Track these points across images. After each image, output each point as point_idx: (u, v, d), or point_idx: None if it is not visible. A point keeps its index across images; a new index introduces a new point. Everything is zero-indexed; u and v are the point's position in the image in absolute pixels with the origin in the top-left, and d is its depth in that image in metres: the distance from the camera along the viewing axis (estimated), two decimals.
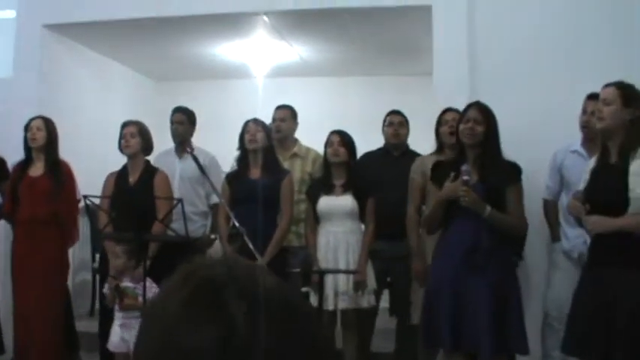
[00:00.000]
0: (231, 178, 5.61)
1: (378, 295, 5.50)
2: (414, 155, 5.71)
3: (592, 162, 4.27)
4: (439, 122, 5.34)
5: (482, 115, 4.53)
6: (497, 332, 4.21)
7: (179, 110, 6.48)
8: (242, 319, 0.82)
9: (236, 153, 5.69)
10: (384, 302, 6.09)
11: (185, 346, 0.81)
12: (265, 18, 7.22)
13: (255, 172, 5.49)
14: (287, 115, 6.31)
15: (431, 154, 5.41)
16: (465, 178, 4.30)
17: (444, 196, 4.44)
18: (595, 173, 4.14)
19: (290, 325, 0.87)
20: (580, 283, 4.17)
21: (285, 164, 6.01)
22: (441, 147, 5.34)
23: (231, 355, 0.80)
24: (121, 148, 5.70)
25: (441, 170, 4.65)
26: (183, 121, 6.40)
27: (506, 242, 4.53)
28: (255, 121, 5.58)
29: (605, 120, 4.05)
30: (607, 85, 4.13)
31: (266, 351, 0.82)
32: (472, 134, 4.48)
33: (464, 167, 4.34)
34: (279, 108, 6.39)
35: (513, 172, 4.54)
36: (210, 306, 0.84)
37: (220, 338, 0.81)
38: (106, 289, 5.27)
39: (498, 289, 4.28)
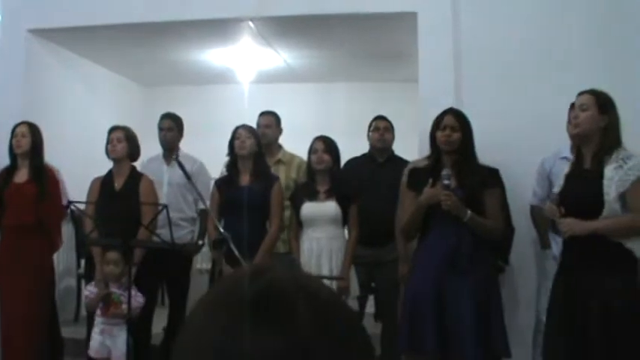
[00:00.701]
0: (220, 183, 5.61)
1: (362, 300, 5.52)
2: (399, 161, 5.74)
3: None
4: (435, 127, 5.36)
5: (459, 121, 4.61)
6: (481, 336, 4.24)
7: (168, 117, 6.48)
8: (308, 328, 0.82)
9: (225, 158, 5.69)
10: (370, 308, 6.11)
11: (249, 353, 0.81)
12: (251, 24, 7.23)
13: (245, 179, 5.49)
14: (271, 121, 6.32)
15: (423, 159, 5.43)
16: (446, 182, 4.35)
17: (424, 201, 4.47)
18: (569, 178, 4.19)
19: (349, 334, 0.87)
20: (553, 287, 4.22)
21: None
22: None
23: None
24: (107, 153, 5.69)
25: (417, 176, 4.69)
26: (172, 128, 6.41)
27: (489, 247, 4.57)
28: (245, 127, 5.58)
29: (581, 125, 4.10)
30: (583, 93, 4.20)
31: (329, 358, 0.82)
32: (449, 141, 4.55)
33: (444, 172, 4.39)
34: (264, 114, 6.39)
35: (491, 176, 4.61)
36: (275, 312, 0.83)
37: (286, 346, 0.81)
38: (87, 293, 5.27)
39: (480, 293, 4.33)
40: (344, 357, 0.85)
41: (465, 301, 4.29)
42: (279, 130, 6.40)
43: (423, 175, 4.62)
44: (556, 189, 4.31)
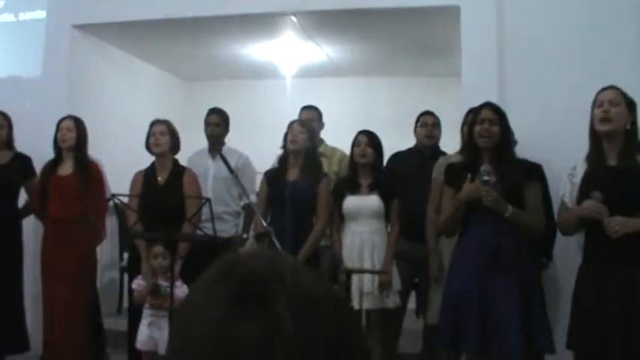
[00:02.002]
0: (270, 176, 5.63)
1: (404, 296, 5.48)
2: (444, 156, 5.69)
3: (580, 166, 4.27)
4: (464, 122, 5.32)
5: (497, 115, 4.53)
6: (524, 333, 4.20)
7: (215, 111, 6.50)
8: (289, 315, 0.82)
9: (266, 152, 5.70)
10: (412, 303, 6.07)
11: (231, 341, 0.81)
12: (294, 18, 7.23)
13: (294, 173, 5.49)
14: (313, 115, 6.32)
15: (455, 154, 5.40)
16: (486, 178, 4.27)
17: (464, 197, 4.40)
18: (593, 175, 4.15)
19: (333, 321, 0.86)
20: (580, 280, 4.18)
21: None
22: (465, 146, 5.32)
23: (277, 351, 0.80)
24: (148, 147, 5.72)
25: (455, 172, 4.63)
26: (219, 123, 6.42)
27: (532, 243, 4.51)
28: (299, 122, 5.60)
29: (614, 121, 4.09)
30: (608, 88, 4.20)
31: (311, 347, 0.82)
32: (489, 135, 4.47)
33: (483, 167, 4.32)
34: (306, 108, 6.39)
35: (531, 170, 4.53)
36: (257, 300, 0.83)
37: (267, 333, 0.81)
38: (135, 285, 5.30)
39: (523, 290, 4.27)
40: (328, 347, 0.84)
41: (508, 299, 4.22)
42: (321, 125, 6.40)
43: (460, 170, 4.56)
44: (567, 188, 4.28)
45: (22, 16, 7.71)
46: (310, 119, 6.23)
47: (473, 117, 4.65)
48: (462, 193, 4.42)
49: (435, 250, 5.25)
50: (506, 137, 4.54)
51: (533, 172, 4.55)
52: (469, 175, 4.41)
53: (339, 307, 0.90)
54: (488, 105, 4.62)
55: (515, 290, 4.24)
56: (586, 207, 4.06)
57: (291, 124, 5.56)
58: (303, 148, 5.47)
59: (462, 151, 5.30)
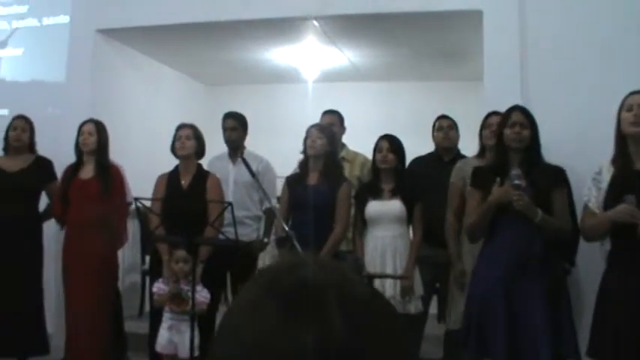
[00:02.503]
0: (291, 181, 5.63)
1: (426, 301, 5.45)
2: None
3: (606, 170, 4.24)
4: (483, 125, 5.30)
5: (527, 118, 4.49)
6: (552, 339, 4.15)
7: (230, 116, 6.50)
8: (341, 324, 0.81)
9: (288, 157, 5.70)
10: (433, 309, 6.05)
11: (282, 352, 0.80)
12: (315, 23, 7.24)
13: (314, 178, 5.49)
14: (334, 120, 6.31)
15: (472, 158, 5.37)
16: (517, 182, 4.22)
17: (494, 201, 4.34)
18: (621, 179, 4.11)
19: (385, 330, 0.86)
20: (605, 285, 4.15)
21: None
22: (483, 150, 5.29)
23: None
24: (173, 150, 5.73)
25: (482, 175, 4.59)
26: (236, 127, 6.43)
27: (558, 248, 4.47)
28: (317, 126, 5.59)
29: None
30: (638, 92, 4.18)
31: (364, 357, 0.81)
32: (519, 138, 4.43)
33: (514, 171, 4.26)
34: (327, 113, 6.39)
35: (557, 174, 4.49)
36: (309, 310, 0.82)
37: (319, 343, 0.79)
38: (155, 289, 5.31)
39: (551, 296, 4.22)
40: (379, 351, 0.83)
41: (535, 304, 4.17)
42: (342, 129, 6.39)
43: (488, 173, 4.52)
44: (592, 192, 4.25)
45: (46, 21, 7.78)
46: (331, 124, 6.21)
47: (502, 120, 4.61)
48: (492, 196, 4.36)
49: (457, 256, 5.21)
50: (535, 141, 4.50)
51: (561, 176, 4.52)
52: (498, 179, 4.36)
53: (390, 316, 0.89)
54: (518, 108, 4.59)
55: (542, 295, 4.19)
56: (620, 211, 4.00)
57: (309, 129, 5.56)
58: (322, 152, 5.46)
59: (480, 154, 5.28)
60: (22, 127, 6.11)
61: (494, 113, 5.23)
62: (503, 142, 4.49)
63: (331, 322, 0.81)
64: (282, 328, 0.81)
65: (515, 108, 4.59)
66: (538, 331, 4.14)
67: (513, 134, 4.43)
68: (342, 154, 6.19)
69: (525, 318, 4.18)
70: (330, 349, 0.79)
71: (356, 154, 6.27)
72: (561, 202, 4.43)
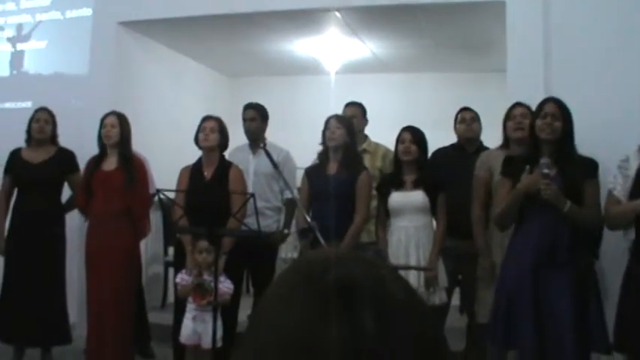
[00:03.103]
0: (310, 172, 5.64)
1: (449, 292, 5.43)
2: None
3: (633, 158, 4.21)
4: (507, 116, 5.26)
5: (560, 110, 4.45)
6: (580, 331, 4.12)
7: (250, 107, 6.52)
8: (372, 321, 0.80)
9: (310, 148, 5.70)
10: (455, 300, 6.03)
11: (311, 346, 0.80)
12: (337, 14, 7.23)
13: (333, 168, 5.49)
14: (357, 111, 6.31)
15: (496, 149, 5.34)
16: (546, 171, 4.21)
17: (522, 189, 4.33)
18: None
19: (418, 328, 0.85)
20: (632, 281, 4.12)
21: None
22: (507, 142, 5.26)
23: (360, 357, 0.79)
24: (197, 141, 5.74)
25: (513, 165, 4.56)
26: (255, 118, 6.44)
27: (584, 240, 4.43)
28: (336, 117, 5.58)
29: None
30: None
31: (395, 355, 0.80)
32: (551, 130, 4.40)
33: (543, 160, 4.25)
34: (349, 105, 6.38)
35: (590, 166, 4.45)
36: (340, 305, 0.82)
37: (349, 339, 0.79)
38: (178, 280, 5.33)
39: (579, 288, 4.19)
40: (412, 354, 0.82)
41: (564, 296, 4.14)
42: (364, 121, 6.38)
43: (519, 163, 4.49)
44: (619, 182, 4.21)
45: (69, 14, 7.82)
46: (354, 116, 6.21)
47: (536, 111, 4.57)
48: (521, 184, 4.35)
49: (485, 249, 5.17)
50: (568, 133, 4.46)
51: (593, 168, 4.46)
52: (527, 167, 4.34)
53: (424, 315, 0.88)
54: (552, 100, 4.55)
55: (570, 286, 4.16)
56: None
57: (328, 120, 5.55)
58: (341, 143, 5.46)
59: (504, 146, 5.24)
60: (45, 119, 6.16)
61: (519, 104, 5.20)
62: (535, 133, 4.47)
63: (363, 322, 0.80)
64: (315, 324, 0.81)
65: (549, 99, 4.56)
66: (564, 323, 4.10)
67: (544, 125, 4.41)
68: (364, 145, 6.18)
69: (552, 309, 4.15)
70: (360, 348, 0.79)
71: (377, 145, 6.26)
72: (592, 194, 4.39)
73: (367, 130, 6.42)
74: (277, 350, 0.83)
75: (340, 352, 0.79)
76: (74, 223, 6.35)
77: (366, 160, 6.02)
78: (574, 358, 4.15)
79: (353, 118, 6.17)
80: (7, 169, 6.17)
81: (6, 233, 6.08)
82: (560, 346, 4.12)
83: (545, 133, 4.41)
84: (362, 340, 0.79)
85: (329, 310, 0.82)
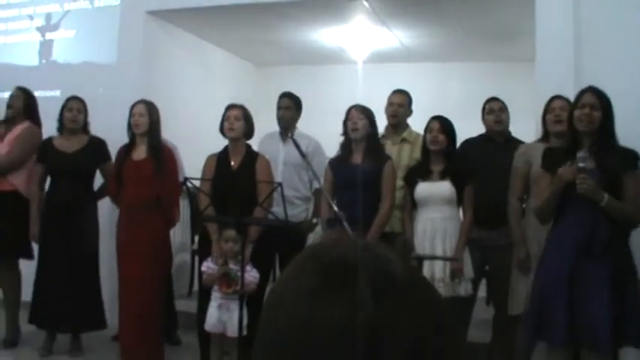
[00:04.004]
0: (333, 163, 5.61)
1: (475, 284, 5.40)
2: (517, 142, 5.57)
3: None
4: (546, 109, 5.18)
5: (599, 100, 4.35)
6: (616, 326, 4.06)
7: (286, 96, 6.53)
8: (370, 303, 0.81)
9: (337, 138, 5.67)
10: (481, 292, 5.99)
11: (311, 327, 0.81)
12: (365, 3, 7.20)
13: (357, 157, 5.47)
14: (405, 100, 6.24)
15: (536, 142, 5.27)
16: (581, 165, 4.14)
17: (558, 182, 4.27)
18: None
19: (420, 309, 0.85)
20: None
21: (394, 149, 6.02)
22: (546, 135, 5.18)
23: (358, 337, 0.79)
24: (222, 130, 5.75)
25: (553, 157, 4.48)
26: (290, 107, 6.45)
27: (623, 232, 4.36)
28: (358, 107, 5.55)
29: None
30: None
31: (395, 335, 0.81)
32: (589, 120, 4.31)
33: (580, 154, 4.18)
34: (397, 92, 6.29)
35: (630, 158, 4.35)
36: (339, 287, 0.83)
37: (347, 320, 0.80)
38: (204, 268, 5.34)
39: (616, 283, 4.12)
40: (413, 335, 0.82)
41: (599, 289, 4.08)
42: (409, 111, 6.31)
43: (559, 155, 4.41)
44: None
45: (97, 3, 7.86)
46: (401, 104, 6.17)
47: (574, 101, 4.48)
48: (558, 178, 4.29)
49: (520, 240, 5.11)
50: (607, 124, 4.36)
51: (634, 160, 4.36)
52: (568, 162, 4.27)
53: (427, 297, 0.88)
54: (591, 89, 4.44)
55: (607, 281, 4.10)
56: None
57: (349, 110, 5.52)
58: (364, 134, 5.44)
59: (543, 139, 5.16)
60: (78, 108, 6.21)
61: (558, 97, 5.11)
62: (574, 124, 4.39)
63: (361, 300, 0.81)
64: (314, 303, 0.83)
65: (588, 89, 4.44)
66: (599, 315, 4.04)
67: (582, 115, 4.32)
68: (405, 134, 6.14)
69: (587, 302, 4.10)
70: (357, 326, 0.80)
71: (418, 135, 6.18)
72: (632, 186, 4.29)
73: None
74: (282, 326, 0.85)
75: (338, 327, 0.80)
76: (104, 211, 6.39)
77: (406, 150, 5.99)
78: (607, 351, 4.11)
79: (401, 107, 6.15)
80: (40, 158, 6.23)
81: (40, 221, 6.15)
82: (594, 338, 4.07)
83: (583, 124, 4.32)
84: (360, 317, 0.80)
85: (328, 286, 0.83)
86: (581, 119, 4.32)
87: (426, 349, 0.82)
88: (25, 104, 6.43)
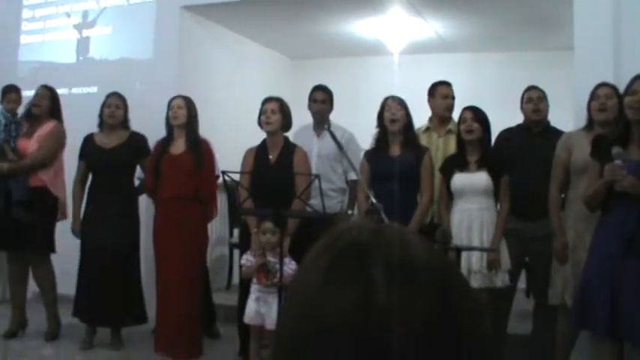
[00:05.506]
0: (370, 155, 5.60)
1: (514, 275, 5.35)
2: (555, 132, 5.49)
3: None
4: (592, 96, 5.03)
5: None
6: None
7: (320, 88, 6.53)
8: (384, 285, 0.80)
9: (373, 130, 5.65)
10: (522, 283, 5.95)
11: (325, 309, 0.81)
12: None
13: (395, 149, 5.46)
14: (449, 91, 6.20)
15: (579, 130, 5.18)
16: (618, 162, 4.03)
17: (604, 182, 4.16)
18: None
19: (437, 294, 0.83)
20: None
21: (440, 140, 6.04)
22: (590, 123, 5.08)
23: (370, 322, 0.79)
24: (260, 124, 5.76)
25: (601, 146, 4.33)
26: (325, 100, 6.45)
27: None
28: (395, 98, 5.53)
29: None
30: None
31: (408, 319, 0.79)
32: (639, 107, 4.17)
33: (615, 150, 4.07)
34: (443, 84, 6.23)
35: None
36: (352, 269, 0.83)
37: (359, 304, 0.79)
38: (244, 261, 5.36)
39: None
40: (427, 320, 0.80)
41: None
42: (454, 102, 6.28)
43: (609, 143, 4.23)
44: None
45: (133, 0, 7.89)
46: (446, 95, 6.15)
47: (625, 89, 4.36)
48: (605, 171, 4.17)
49: (559, 230, 5.02)
50: None
51: None
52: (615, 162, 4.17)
53: (447, 282, 0.86)
54: None
55: None
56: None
57: (385, 101, 5.51)
58: (402, 124, 5.42)
59: (588, 127, 5.06)
60: (116, 104, 6.27)
61: (604, 84, 5.00)
62: (624, 112, 4.28)
63: (373, 283, 0.80)
64: (325, 287, 0.83)
65: (638, 77, 4.29)
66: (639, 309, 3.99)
67: (632, 102, 4.17)
68: (450, 126, 6.11)
69: (629, 298, 4.01)
70: (371, 309, 0.79)
71: None
72: None
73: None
74: (295, 311, 0.86)
75: (349, 310, 0.79)
76: (143, 205, 6.44)
77: (451, 141, 5.93)
78: None
79: (447, 98, 6.12)
80: (82, 155, 6.31)
81: (82, 217, 6.22)
82: (633, 333, 4.00)
83: (633, 111, 4.19)
84: (371, 302, 0.79)
85: (339, 269, 0.83)
86: (631, 106, 4.19)
87: (439, 334, 0.81)
88: (51, 103, 6.49)
